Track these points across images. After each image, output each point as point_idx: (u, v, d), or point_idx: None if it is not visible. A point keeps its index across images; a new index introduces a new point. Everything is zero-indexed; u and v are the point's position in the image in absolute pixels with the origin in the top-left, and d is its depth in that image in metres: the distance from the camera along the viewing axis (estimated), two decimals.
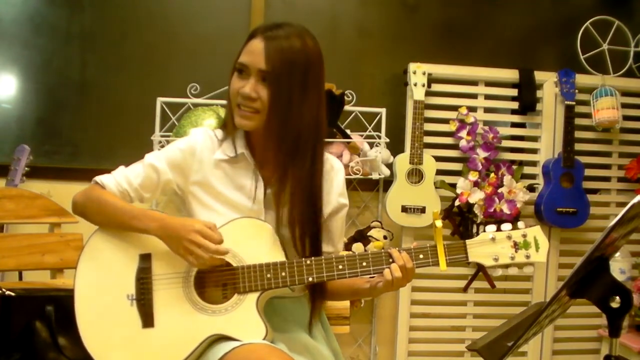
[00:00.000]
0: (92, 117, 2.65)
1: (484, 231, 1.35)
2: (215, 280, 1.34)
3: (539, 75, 2.73)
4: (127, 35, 2.67)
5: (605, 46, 2.84)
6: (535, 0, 2.96)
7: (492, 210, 2.58)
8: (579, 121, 2.69)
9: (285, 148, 1.37)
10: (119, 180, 1.40)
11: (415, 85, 2.58)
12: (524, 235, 1.34)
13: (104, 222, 1.37)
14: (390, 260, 1.33)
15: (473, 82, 2.75)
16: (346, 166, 2.51)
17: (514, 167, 2.68)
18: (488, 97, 2.76)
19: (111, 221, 1.35)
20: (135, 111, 2.62)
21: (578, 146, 2.66)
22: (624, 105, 2.76)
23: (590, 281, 1.03)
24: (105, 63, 2.64)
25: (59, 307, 1.58)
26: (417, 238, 2.64)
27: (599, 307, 1.02)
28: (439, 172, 2.63)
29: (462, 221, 2.68)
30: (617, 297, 1.00)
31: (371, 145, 2.62)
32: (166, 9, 2.69)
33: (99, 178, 1.40)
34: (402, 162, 2.57)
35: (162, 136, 2.46)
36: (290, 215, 1.37)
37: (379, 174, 2.58)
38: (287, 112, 1.35)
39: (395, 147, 2.64)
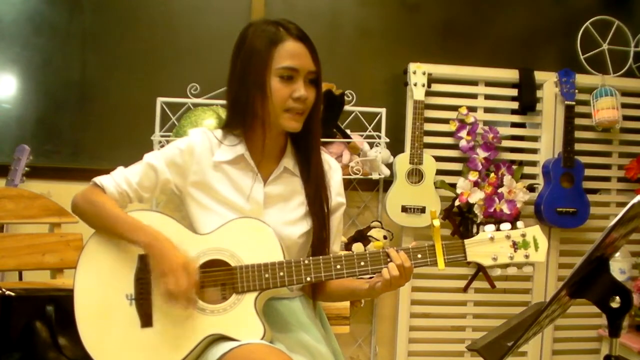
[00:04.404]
0: (92, 117, 2.65)
1: (483, 231, 1.35)
2: (213, 280, 1.34)
3: (539, 75, 2.73)
4: (127, 35, 2.67)
5: (605, 46, 2.84)
6: (536, 1, 2.96)
7: (492, 210, 2.58)
8: (579, 121, 2.69)
9: (315, 145, 1.44)
10: (118, 182, 1.39)
11: (415, 85, 2.58)
12: (523, 235, 1.34)
13: (99, 227, 1.37)
14: (388, 259, 1.33)
15: (473, 82, 2.75)
16: (346, 166, 2.51)
17: (514, 167, 2.68)
18: (488, 97, 2.76)
19: (106, 228, 1.35)
20: (135, 111, 2.62)
21: (578, 146, 2.66)
22: (624, 105, 2.76)
23: (590, 281, 1.03)
24: (105, 63, 2.65)
25: (59, 307, 1.58)
26: (417, 238, 2.64)
27: (599, 307, 1.02)
28: (439, 172, 2.63)
29: (462, 221, 2.68)
30: (617, 297, 1.00)
31: (371, 145, 2.61)
32: (166, 9, 2.68)
33: (98, 179, 1.40)
34: (402, 162, 2.57)
35: (162, 136, 2.46)
36: (311, 211, 1.43)
37: (379, 174, 2.58)
38: (320, 109, 1.43)
39: (395, 147, 2.64)
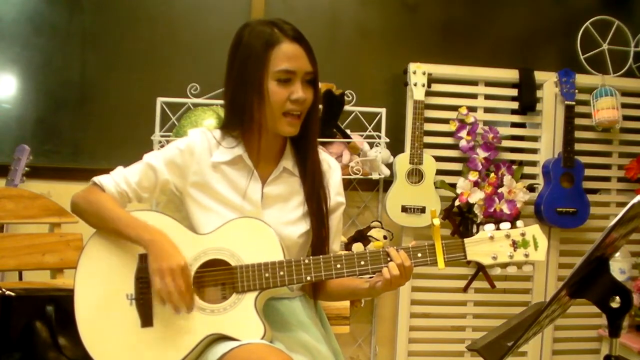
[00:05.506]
0: (92, 117, 2.65)
1: (483, 230, 1.35)
2: (213, 280, 1.34)
3: (539, 75, 2.73)
4: (127, 35, 2.67)
5: (605, 46, 2.84)
6: (536, 1, 2.96)
7: (492, 210, 2.58)
8: (579, 121, 2.69)
9: (314, 145, 1.44)
10: (117, 181, 1.40)
11: (415, 85, 2.58)
12: (523, 234, 1.34)
13: (99, 225, 1.37)
14: (388, 259, 1.33)
15: (473, 82, 2.75)
16: (346, 166, 2.51)
17: (514, 167, 2.68)
18: (488, 97, 2.76)
19: (107, 226, 1.35)
20: (135, 111, 2.62)
21: (578, 146, 2.66)
22: (624, 105, 2.76)
23: (590, 281, 1.03)
24: (105, 63, 2.65)
25: (59, 307, 1.58)
26: (417, 238, 2.64)
27: (599, 307, 1.02)
28: (439, 172, 2.63)
29: (462, 221, 2.68)
30: (617, 297, 1.00)
31: (371, 145, 2.61)
32: (166, 9, 2.69)
33: (97, 179, 1.40)
34: (402, 162, 2.57)
35: (162, 136, 2.46)
36: (310, 210, 1.43)
37: (379, 174, 2.58)
38: (317, 109, 1.43)
39: (395, 147, 2.64)
